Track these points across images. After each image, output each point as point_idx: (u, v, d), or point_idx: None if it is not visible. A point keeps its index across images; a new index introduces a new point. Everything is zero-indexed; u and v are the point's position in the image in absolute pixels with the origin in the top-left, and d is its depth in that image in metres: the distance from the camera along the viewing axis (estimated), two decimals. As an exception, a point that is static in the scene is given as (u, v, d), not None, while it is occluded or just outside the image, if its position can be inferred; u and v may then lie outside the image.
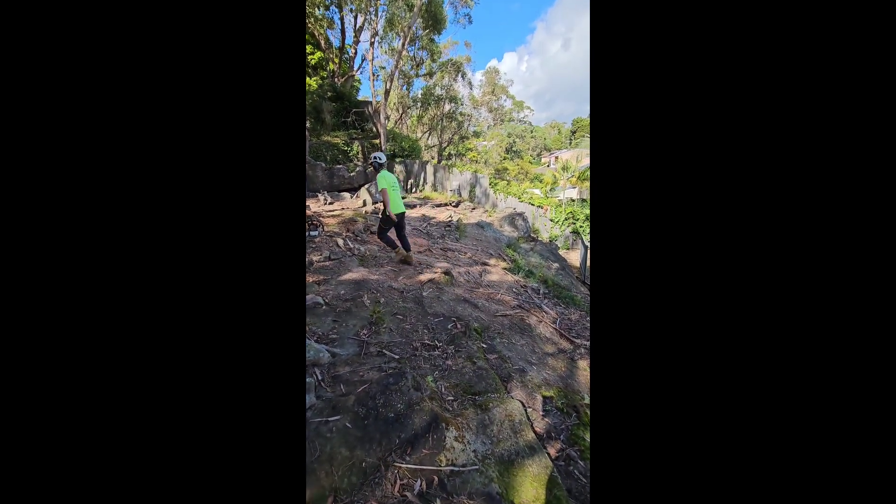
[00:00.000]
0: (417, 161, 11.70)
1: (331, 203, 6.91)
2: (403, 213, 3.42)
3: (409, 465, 1.02)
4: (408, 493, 0.95)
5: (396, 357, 1.67)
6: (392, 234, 3.67)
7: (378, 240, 3.61)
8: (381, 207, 3.37)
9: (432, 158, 15.78)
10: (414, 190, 11.33)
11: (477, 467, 1.06)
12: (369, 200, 7.14)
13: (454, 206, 8.87)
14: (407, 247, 3.49)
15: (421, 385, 1.41)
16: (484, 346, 1.95)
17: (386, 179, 3.26)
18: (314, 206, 6.25)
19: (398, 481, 0.98)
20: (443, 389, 1.47)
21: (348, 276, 2.82)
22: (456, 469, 1.04)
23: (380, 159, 3.33)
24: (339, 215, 4.97)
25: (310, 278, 2.72)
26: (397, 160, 11.57)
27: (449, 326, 2.11)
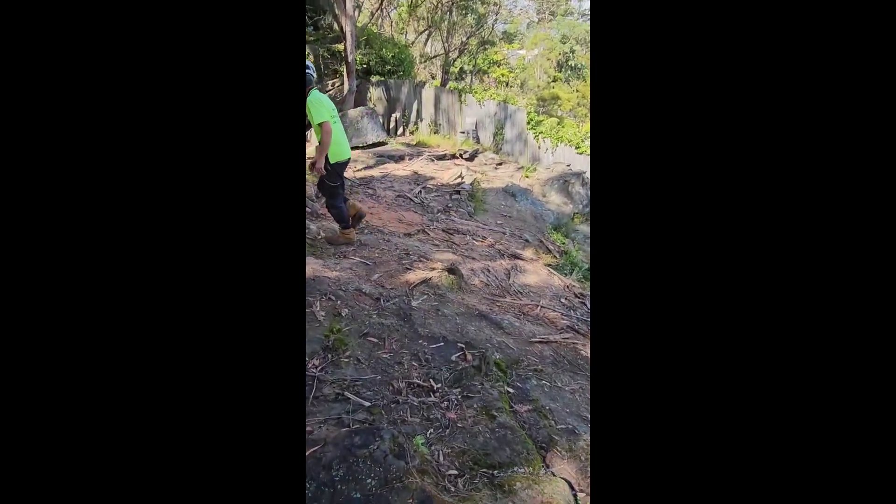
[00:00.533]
0: (407, 82, 11.63)
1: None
2: (348, 161, 3.41)
3: (385, 576, 1.06)
4: None
5: (367, 404, 1.71)
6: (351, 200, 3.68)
7: (328, 210, 3.64)
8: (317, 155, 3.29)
9: (432, 78, 15.63)
10: (402, 130, 11.31)
11: (493, 582, 1.10)
12: (326, 147, 7.17)
13: (467, 160, 8.89)
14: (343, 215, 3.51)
15: (406, 450, 1.45)
16: (510, 390, 1.99)
17: (324, 105, 3.15)
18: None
19: None
20: (441, 458, 1.51)
21: (290, 270, 2.85)
22: (459, 584, 1.08)
23: (309, 72, 3.15)
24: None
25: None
26: (374, 79, 11.50)
27: (453, 357, 2.15)
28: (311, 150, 3.72)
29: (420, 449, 1.51)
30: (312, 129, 3.21)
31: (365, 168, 7.55)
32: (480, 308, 2.84)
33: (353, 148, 8.79)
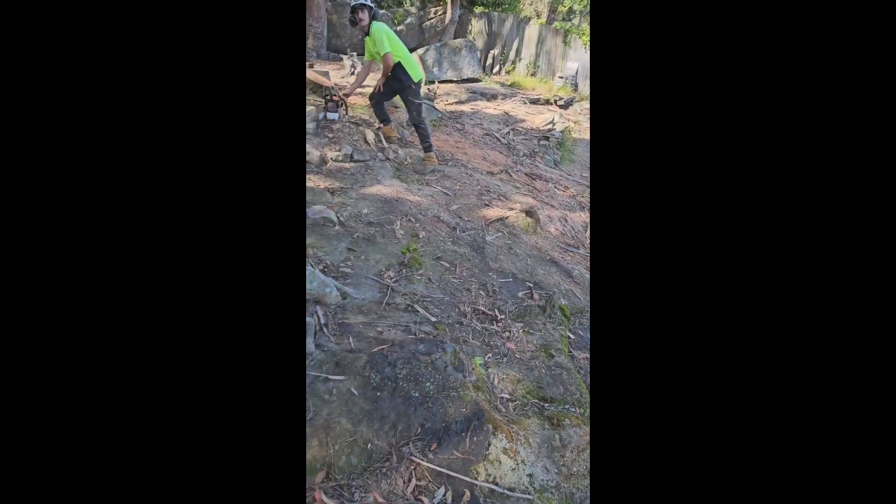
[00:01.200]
0: (511, 17, 10.90)
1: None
2: (421, 80, 3.69)
3: (432, 466, 1.14)
4: (424, 499, 1.07)
5: (434, 319, 1.77)
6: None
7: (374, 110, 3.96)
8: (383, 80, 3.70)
9: (538, 16, 14.47)
10: (498, 68, 10.78)
11: (530, 497, 1.14)
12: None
13: (561, 107, 8.37)
14: (386, 118, 3.92)
15: (465, 366, 1.50)
16: (571, 336, 1.96)
17: (388, 36, 3.40)
18: (336, 75, 6.39)
19: (413, 480, 1.11)
20: (496, 381, 1.55)
21: (376, 189, 2.93)
22: (499, 490, 1.14)
23: (369, 4, 3.41)
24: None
25: (319, 182, 2.90)
26: (476, 10, 10.90)
27: (520, 294, 2.14)
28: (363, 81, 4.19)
29: (478, 368, 1.56)
30: (364, 61, 3.65)
31: (457, 102, 7.37)
32: (552, 254, 2.77)
33: (446, 81, 8.66)
